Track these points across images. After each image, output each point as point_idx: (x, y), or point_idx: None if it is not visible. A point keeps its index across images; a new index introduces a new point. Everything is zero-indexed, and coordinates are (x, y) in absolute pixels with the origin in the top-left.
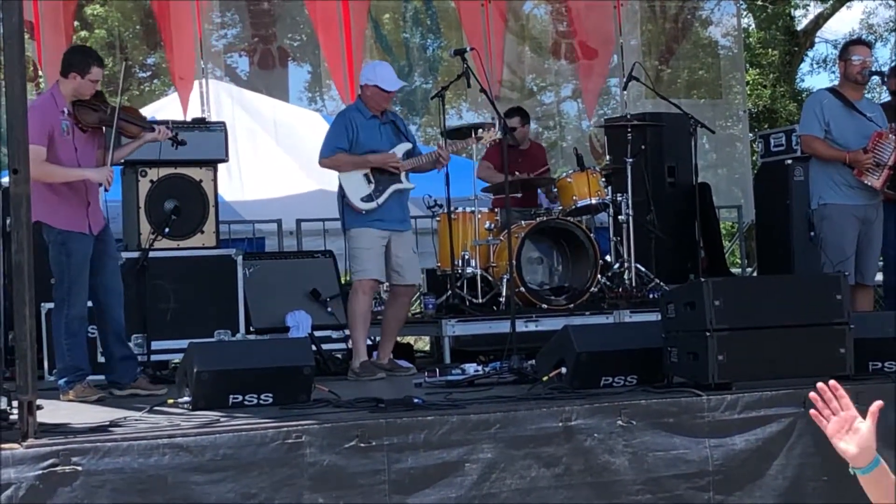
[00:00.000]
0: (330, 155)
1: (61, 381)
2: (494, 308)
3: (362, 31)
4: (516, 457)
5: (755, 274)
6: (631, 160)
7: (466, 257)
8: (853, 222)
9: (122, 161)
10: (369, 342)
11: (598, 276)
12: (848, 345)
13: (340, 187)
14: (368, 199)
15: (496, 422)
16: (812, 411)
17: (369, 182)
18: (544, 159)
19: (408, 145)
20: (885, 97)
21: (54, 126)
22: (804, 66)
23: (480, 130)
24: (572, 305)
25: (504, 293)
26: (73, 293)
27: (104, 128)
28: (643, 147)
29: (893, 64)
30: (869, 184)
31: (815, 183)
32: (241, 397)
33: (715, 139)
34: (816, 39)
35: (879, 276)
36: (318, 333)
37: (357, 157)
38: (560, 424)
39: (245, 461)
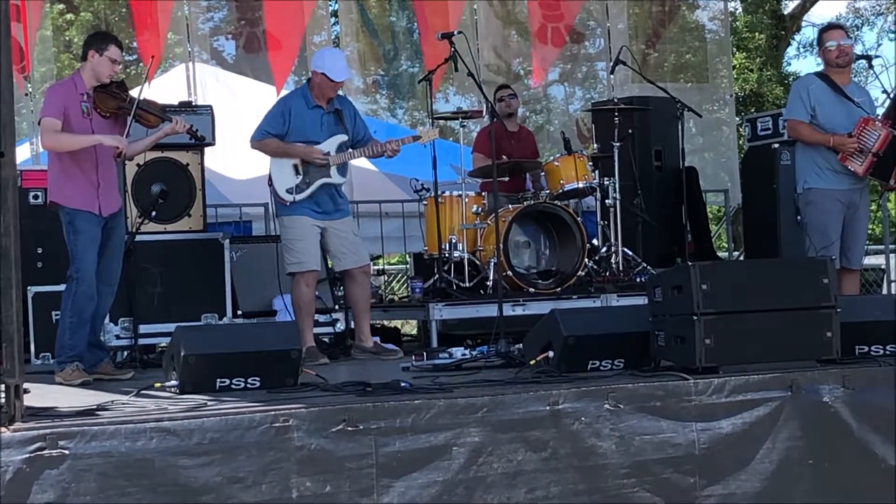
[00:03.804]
0: (259, 139)
1: (54, 361)
2: (482, 292)
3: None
4: (503, 440)
5: (742, 258)
6: (618, 144)
7: (454, 241)
8: (838, 207)
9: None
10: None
11: (586, 259)
12: (835, 328)
13: (269, 174)
14: (292, 191)
15: (483, 406)
16: None
17: (297, 173)
18: (534, 145)
19: (342, 137)
20: (873, 80)
21: (70, 105)
22: (791, 50)
23: (420, 128)
24: (559, 289)
25: (491, 277)
26: (80, 272)
27: (125, 117)
28: (630, 131)
29: None
30: (852, 169)
31: (801, 167)
32: (228, 381)
33: (702, 123)
34: (803, 23)
35: (867, 260)
36: None
37: (284, 145)
38: (547, 408)
39: (232, 445)
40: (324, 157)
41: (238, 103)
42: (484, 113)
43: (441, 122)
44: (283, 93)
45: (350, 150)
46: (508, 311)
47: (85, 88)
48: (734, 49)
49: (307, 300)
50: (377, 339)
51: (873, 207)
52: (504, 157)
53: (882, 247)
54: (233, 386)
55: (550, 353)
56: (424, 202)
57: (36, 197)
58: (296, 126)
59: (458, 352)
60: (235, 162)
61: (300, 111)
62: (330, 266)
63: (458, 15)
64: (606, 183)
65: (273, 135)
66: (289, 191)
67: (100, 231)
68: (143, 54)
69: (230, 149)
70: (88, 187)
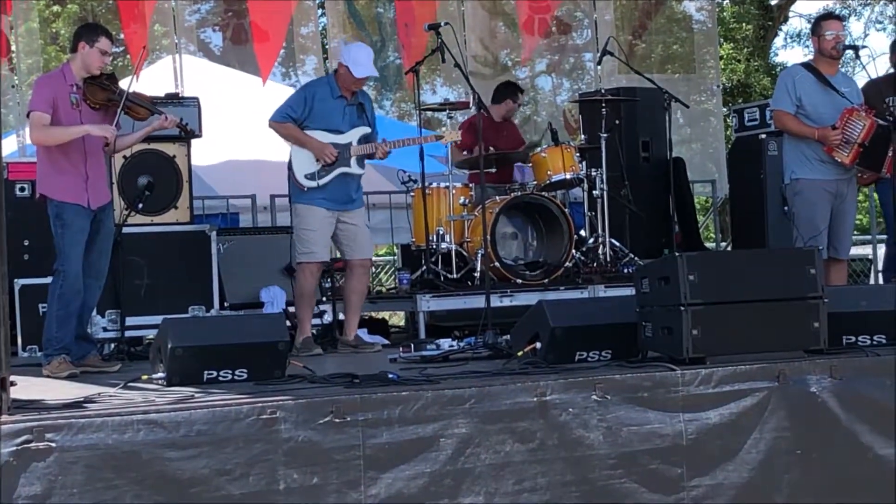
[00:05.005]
0: (280, 121)
1: (41, 353)
2: (469, 283)
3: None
4: (491, 432)
5: (729, 248)
6: (605, 135)
7: (441, 233)
8: (825, 197)
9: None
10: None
11: (573, 251)
12: (822, 319)
13: (290, 159)
14: (311, 177)
15: (471, 397)
16: None
17: (317, 160)
18: (518, 135)
19: (364, 130)
20: (860, 71)
21: (60, 97)
22: (778, 41)
23: (443, 129)
24: (547, 280)
25: (479, 268)
26: (66, 265)
27: (115, 109)
28: (617, 122)
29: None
30: (839, 160)
31: (788, 158)
32: (215, 373)
33: (689, 114)
34: (790, 14)
35: (854, 250)
36: (292, 309)
37: (300, 133)
38: (534, 399)
39: (220, 437)
40: (334, 157)
41: (225, 95)
42: (471, 104)
43: (428, 113)
44: (269, 84)
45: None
46: (496, 302)
47: (74, 80)
48: (721, 40)
49: (310, 290)
50: (364, 330)
51: (860, 197)
52: (491, 148)
53: (869, 237)
54: (220, 378)
55: (538, 345)
56: (412, 193)
57: (22, 189)
58: (319, 112)
59: (446, 343)
60: (223, 154)
61: (324, 98)
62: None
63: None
64: (594, 174)
65: (293, 119)
66: (308, 176)
67: (88, 224)
68: (130, 47)
69: (217, 141)
70: (77, 180)
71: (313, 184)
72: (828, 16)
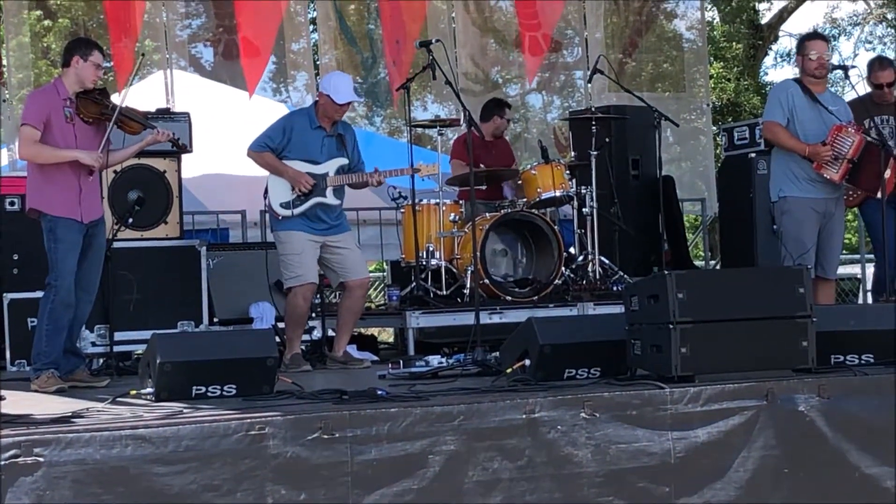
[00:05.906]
0: (258, 150)
1: (30, 368)
2: (458, 300)
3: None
4: (479, 449)
5: (718, 267)
6: (595, 153)
7: (431, 249)
8: (813, 216)
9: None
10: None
11: (562, 268)
12: (810, 338)
13: (266, 187)
14: (287, 206)
15: (460, 414)
16: None
17: (293, 189)
18: (511, 153)
19: (342, 161)
20: (849, 91)
21: (53, 111)
22: (768, 60)
23: (420, 162)
24: (536, 298)
25: (468, 285)
26: (59, 280)
27: (107, 123)
28: (607, 140)
29: (875, 56)
30: (828, 177)
31: (776, 175)
32: (204, 388)
33: (679, 132)
34: (780, 33)
35: (843, 270)
36: (281, 325)
37: (277, 163)
38: (523, 416)
39: (208, 453)
40: (310, 186)
41: (216, 110)
42: (462, 121)
43: (419, 129)
44: (260, 100)
45: (346, 174)
46: (485, 319)
47: (67, 94)
48: (711, 58)
49: (301, 312)
50: (353, 346)
51: (850, 217)
52: (481, 165)
53: (858, 256)
54: (208, 393)
55: (527, 362)
56: (402, 210)
57: (12, 203)
58: (296, 143)
59: (435, 360)
60: (213, 169)
61: (303, 129)
62: None
63: (423, 20)
64: (583, 191)
65: (271, 148)
66: (283, 205)
67: (81, 238)
68: (119, 62)
69: (208, 156)
70: (71, 194)
71: (288, 213)
72: (812, 36)
